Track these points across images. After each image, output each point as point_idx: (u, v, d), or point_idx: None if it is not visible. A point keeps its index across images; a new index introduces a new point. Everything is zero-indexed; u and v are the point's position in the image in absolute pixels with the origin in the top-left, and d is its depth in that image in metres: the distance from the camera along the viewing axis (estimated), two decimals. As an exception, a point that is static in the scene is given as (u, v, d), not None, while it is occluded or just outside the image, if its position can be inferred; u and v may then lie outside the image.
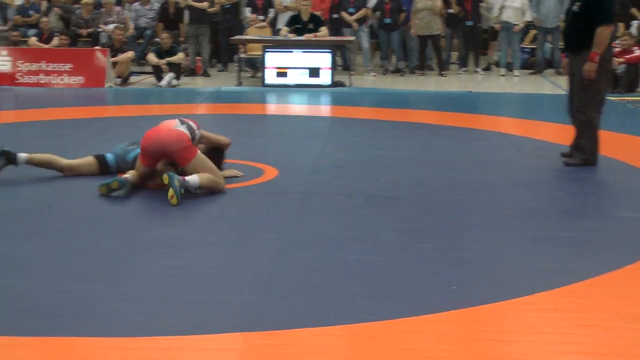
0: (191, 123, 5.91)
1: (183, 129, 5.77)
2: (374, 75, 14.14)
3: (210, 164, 5.76)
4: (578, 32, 6.72)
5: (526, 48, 15.24)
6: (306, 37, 12.67)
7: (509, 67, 14.51)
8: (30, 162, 6.02)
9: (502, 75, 14.19)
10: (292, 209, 5.45)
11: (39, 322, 3.52)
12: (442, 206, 5.59)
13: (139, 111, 10.13)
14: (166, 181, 5.43)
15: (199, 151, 5.77)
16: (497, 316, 3.70)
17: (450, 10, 14.22)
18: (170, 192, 5.40)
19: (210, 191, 5.72)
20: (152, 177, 5.88)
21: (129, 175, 5.72)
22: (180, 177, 5.47)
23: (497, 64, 14.92)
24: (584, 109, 6.76)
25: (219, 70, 14.88)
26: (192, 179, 5.56)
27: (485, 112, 10.07)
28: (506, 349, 3.33)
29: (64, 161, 6.19)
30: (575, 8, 6.80)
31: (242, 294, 3.88)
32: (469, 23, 14.24)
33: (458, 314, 3.68)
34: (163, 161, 5.80)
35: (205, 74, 14.12)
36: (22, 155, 5.96)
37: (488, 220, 5.26)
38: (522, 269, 4.30)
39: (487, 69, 15.09)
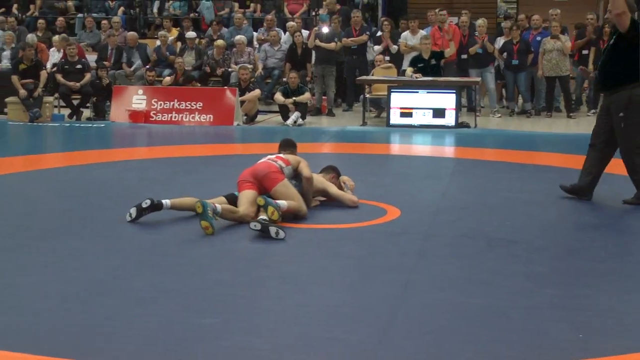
0: (281, 162, 6.40)
1: (273, 163, 6.36)
2: (500, 117, 13.91)
3: (293, 190, 6.21)
4: (613, 68, 6.70)
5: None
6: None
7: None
8: (173, 207, 6.21)
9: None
10: (414, 250, 5.37)
11: (160, 354, 3.58)
12: (571, 251, 5.38)
13: (265, 149, 10.28)
14: (261, 203, 5.86)
15: (285, 179, 6.24)
16: (628, 369, 3.51)
17: (585, 52, 13.91)
18: (271, 209, 5.81)
19: (294, 215, 6.11)
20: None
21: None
22: (272, 200, 5.93)
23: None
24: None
25: (344, 110, 15.00)
26: (281, 202, 5.99)
27: (616, 156, 9.68)
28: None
29: None
30: (611, 42, 6.77)
31: (362, 333, 3.83)
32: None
33: (585, 364, 3.51)
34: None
35: (331, 114, 14.26)
36: (167, 202, 6.16)
37: (619, 267, 5.02)
38: (656, 321, 4.08)
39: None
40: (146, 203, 6.04)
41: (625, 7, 6.46)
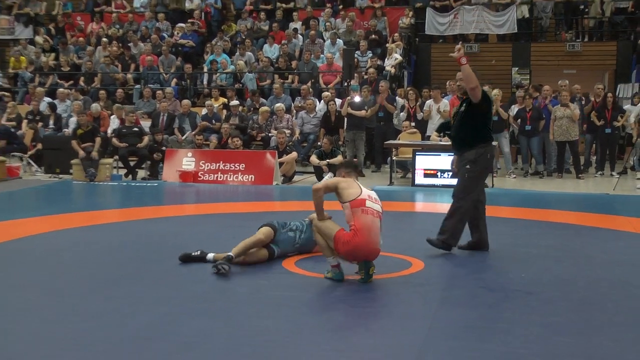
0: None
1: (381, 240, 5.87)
2: (515, 177, 13.82)
3: None
4: (465, 132, 6.89)
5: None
6: None
7: (645, 171, 13.86)
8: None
9: (638, 178, 13.50)
10: (436, 299, 5.29)
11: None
12: (584, 303, 5.26)
13: (302, 206, 10.31)
14: (372, 271, 5.80)
15: None
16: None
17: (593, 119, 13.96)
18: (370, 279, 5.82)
19: None
20: None
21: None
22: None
23: (633, 168, 14.28)
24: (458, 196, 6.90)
25: (373, 171, 15.02)
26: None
27: (622, 214, 9.56)
28: None
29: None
30: (462, 109, 6.96)
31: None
32: (608, 131, 13.81)
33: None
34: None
35: (361, 174, 14.23)
36: (210, 256, 6.34)
37: (630, 319, 4.89)
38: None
39: (623, 172, 14.43)
40: (196, 253, 6.35)
41: (477, 82, 6.70)
